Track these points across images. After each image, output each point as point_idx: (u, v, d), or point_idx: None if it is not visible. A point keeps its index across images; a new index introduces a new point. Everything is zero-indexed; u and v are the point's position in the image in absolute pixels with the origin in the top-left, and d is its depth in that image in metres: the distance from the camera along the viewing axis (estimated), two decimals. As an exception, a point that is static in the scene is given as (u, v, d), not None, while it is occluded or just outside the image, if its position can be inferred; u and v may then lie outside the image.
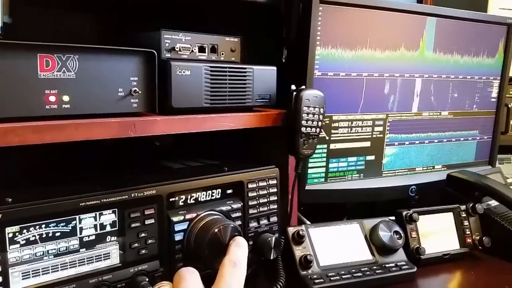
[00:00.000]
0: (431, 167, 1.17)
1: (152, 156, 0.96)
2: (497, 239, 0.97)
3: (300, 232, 0.83)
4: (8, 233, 0.55)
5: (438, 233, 0.96)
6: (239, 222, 0.76)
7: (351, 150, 1.04)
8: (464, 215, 0.99)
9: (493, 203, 1.02)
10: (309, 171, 1.00)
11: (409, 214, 0.94)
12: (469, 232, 0.98)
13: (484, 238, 0.97)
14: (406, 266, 0.86)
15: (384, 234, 0.88)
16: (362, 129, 1.04)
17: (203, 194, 0.74)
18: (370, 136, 1.06)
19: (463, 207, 1.00)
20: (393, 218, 0.94)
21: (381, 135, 1.07)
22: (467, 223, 0.99)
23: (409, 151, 1.13)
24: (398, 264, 0.86)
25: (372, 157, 1.07)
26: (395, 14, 1.03)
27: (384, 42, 1.02)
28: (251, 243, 0.79)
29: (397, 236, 0.88)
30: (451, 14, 1.11)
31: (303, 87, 0.85)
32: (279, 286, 0.76)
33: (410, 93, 1.09)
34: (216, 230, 0.68)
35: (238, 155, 0.90)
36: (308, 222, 0.95)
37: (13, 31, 0.67)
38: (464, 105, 1.19)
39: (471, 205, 0.99)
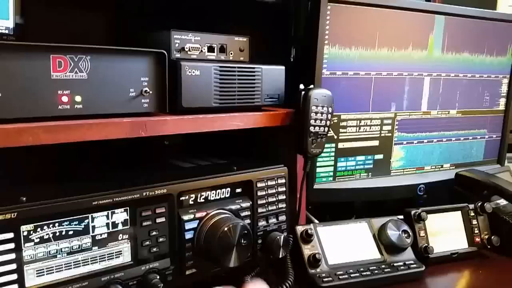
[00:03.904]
0: (440, 166, 1.17)
1: (161, 155, 0.96)
2: (506, 238, 0.97)
3: (309, 231, 0.84)
4: (23, 231, 0.56)
5: (446, 232, 0.96)
6: (248, 221, 0.76)
7: (359, 149, 1.04)
8: (473, 214, 0.99)
9: (502, 202, 1.01)
10: (318, 170, 1.00)
11: (417, 213, 0.94)
12: (477, 231, 0.98)
13: (492, 237, 0.96)
14: (414, 265, 0.87)
15: (393, 233, 0.88)
16: (370, 128, 1.04)
17: (213, 193, 0.74)
18: (378, 135, 1.06)
19: (471, 206, 1.00)
20: (401, 217, 0.94)
21: (390, 134, 1.07)
22: (476, 222, 0.99)
23: (418, 150, 1.13)
24: (407, 263, 0.87)
25: (380, 156, 1.07)
26: (403, 13, 1.03)
27: (393, 41, 1.02)
28: (260, 241, 0.80)
29: (406, 235, 0.88)
30: (460, 12, 1.10)
31: (312, 86, 0.85)
32: (288, 285, 0.77)
33: (418, 92, 1.09)
34: (226, 228, 0.69)
35: (247, 154, 0.91)
36: (317, 221, 0.96)
37: (25, 32, 0.68)
38: (473, 103, 1.19)
39: (479, 204, 0.99)
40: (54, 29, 0.88)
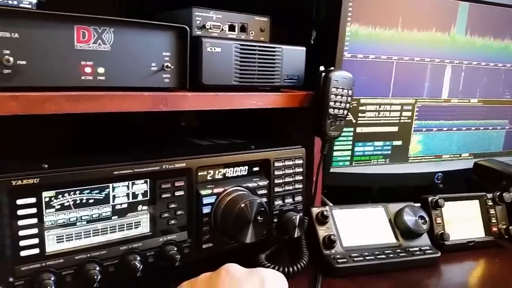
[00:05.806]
0: (458, 155, 1.16)
1: (179, 135, 0.97)
2: (524, 229, 0.96)
3: (324, 213, 0.83)
4: (45, 197, 0.57)
5: (463, 220, 0.95)
6: (264, 199, 0.77)
7: (378, 134, 1.03)
8: (491, 203, 0.98)
9: (521, 192, 1.00)
10: (335, 154, 1.00)
11: (434, 199, 0.93)
12: (495, 221, 0.97)
13: (510, 227, 0.95)
14: (430, 251, 0.86)
15: (409, 219, 0.87)
16: (390, 114, 1.03)
17: (231, 170, 0.75)
18: (398, 121, 1.05)
19: (489, 195, 0.98)
20: (418, 204, 0.93)
21: (409, 121, 1.06)
22: (493, 212, 0.97)
23: (437, 137, 1.11)
24: (422, 248, 0.86)
25: (399, 143, 1.06)
26: (427, -2, 1.01)
27: (415, 26, 1.01)
28: (275, 220, 0.80)
29: (422, 221, 0.88)
30: (485, -1, 1.08)
31: (332, 68, 0.84)
32: (302, 264, 0.77)
33: (440, 79, 1.07)
34: (243, 205, 0.70)
35: (264, 135, 0.91)
36: (331, 204, 0.96)
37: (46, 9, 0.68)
38: (494, 93, 1.16)
39: (498, 193, 0.98)
40: (72, 5, 0.88)
